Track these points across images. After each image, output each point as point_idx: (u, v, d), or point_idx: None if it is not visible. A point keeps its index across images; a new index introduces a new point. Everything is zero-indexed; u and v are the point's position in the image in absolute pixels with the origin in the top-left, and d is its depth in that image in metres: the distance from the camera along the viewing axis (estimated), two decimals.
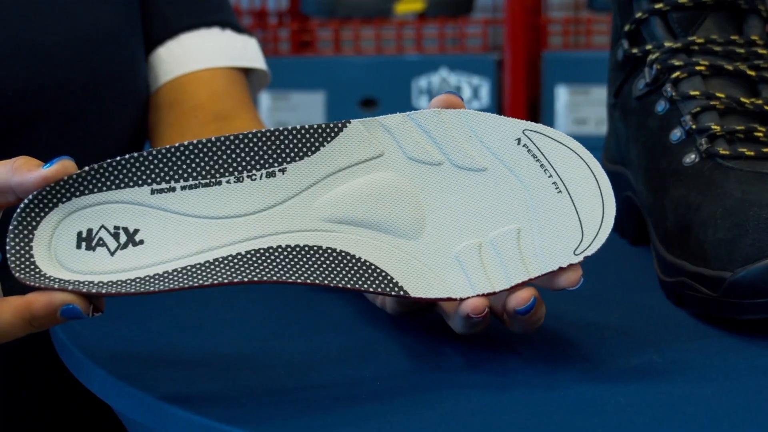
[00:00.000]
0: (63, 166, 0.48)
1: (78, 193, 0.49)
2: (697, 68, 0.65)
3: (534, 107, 1.85)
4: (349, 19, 1.92)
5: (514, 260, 0.50)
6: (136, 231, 0.50)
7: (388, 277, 0.50)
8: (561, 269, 0.50)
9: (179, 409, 0.46)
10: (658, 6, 0.67)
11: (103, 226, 0.50)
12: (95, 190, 0.49)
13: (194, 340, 0.56)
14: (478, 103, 1.81)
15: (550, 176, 0.51)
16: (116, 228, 0.50)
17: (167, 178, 0.50)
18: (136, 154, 0.50)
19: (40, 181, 0.48)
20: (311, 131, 0.52)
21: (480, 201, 0.52)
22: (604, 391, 0.47)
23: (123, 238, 0.49)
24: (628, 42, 0.70)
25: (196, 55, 0.85)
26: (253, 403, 0.47)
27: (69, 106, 0.75)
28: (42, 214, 0.49)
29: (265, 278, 0.49)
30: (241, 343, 0.55)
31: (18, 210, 0.49)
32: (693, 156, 0.62)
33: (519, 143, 0.52)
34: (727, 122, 0.63)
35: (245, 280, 0.49)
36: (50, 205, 0.49)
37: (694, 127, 0.63)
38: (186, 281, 0.49)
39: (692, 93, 0.64)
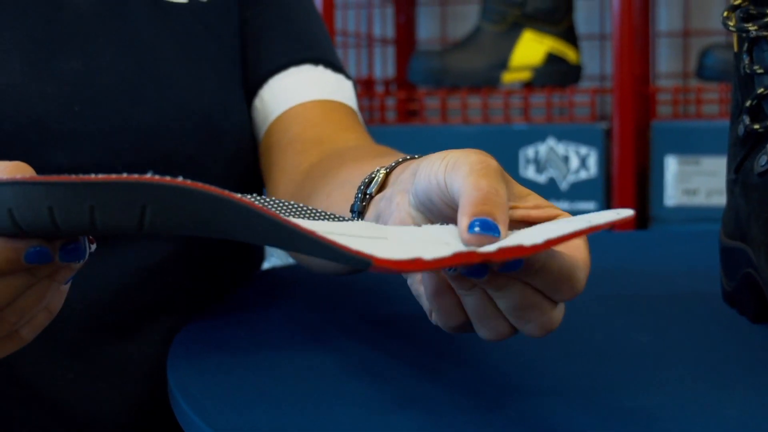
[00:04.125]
0: None
1: None
2: None
3: (643, 177, 1.83)
4: (456, 88, 1.93)
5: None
6: None
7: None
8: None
9: None
10: None
11: None
12: None
13: (308, 408, 0.56)
14: (586, 173, 1.80)
15: None
16: None
17: None
18: None
19: None
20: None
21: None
22: None
23: None
24: (749, 117, 0.69)
25: (284, 96, 0.84)
26: None
27: (176, 175, 0.77)
28: None
29: None
30: (358, 409, 0.55)
31: None
32: None
33: None
34: None
35: None
36: None
37: None
38: None
39: None
